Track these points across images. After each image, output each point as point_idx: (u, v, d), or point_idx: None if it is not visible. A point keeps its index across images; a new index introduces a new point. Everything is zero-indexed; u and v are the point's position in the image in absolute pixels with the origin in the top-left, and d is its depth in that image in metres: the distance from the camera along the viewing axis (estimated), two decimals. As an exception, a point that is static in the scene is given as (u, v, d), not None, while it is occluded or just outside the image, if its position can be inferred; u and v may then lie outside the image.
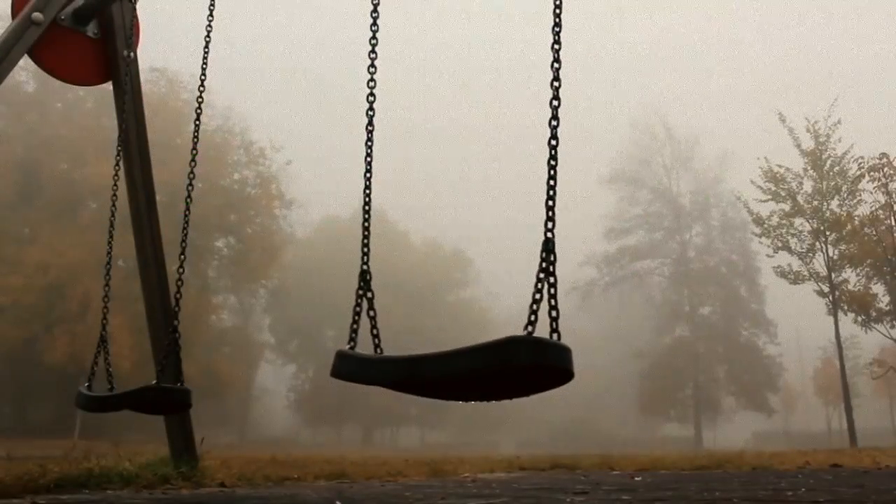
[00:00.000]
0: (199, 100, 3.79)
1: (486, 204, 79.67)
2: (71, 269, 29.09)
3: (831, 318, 23.14)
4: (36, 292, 28.95)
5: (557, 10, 2.02)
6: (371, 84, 2.49)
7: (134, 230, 4.57)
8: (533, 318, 1.73)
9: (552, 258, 1.79)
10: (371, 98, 2.48)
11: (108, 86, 4.70)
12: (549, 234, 1.81)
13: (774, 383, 47.72)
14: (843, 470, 6.16)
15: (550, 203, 1.86)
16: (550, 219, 1.84)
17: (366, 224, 2.38)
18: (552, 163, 1.90)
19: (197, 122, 3.77)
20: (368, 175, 2.46)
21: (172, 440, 4.59)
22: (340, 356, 2.09)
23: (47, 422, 31.12)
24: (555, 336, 1.73)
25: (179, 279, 3.47)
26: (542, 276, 1.76)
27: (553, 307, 1.75)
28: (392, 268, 42.16)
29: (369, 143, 2.47)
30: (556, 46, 1.98)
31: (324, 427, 57.29)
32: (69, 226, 30.74)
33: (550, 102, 1.94)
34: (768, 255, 24.65)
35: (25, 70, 27.24)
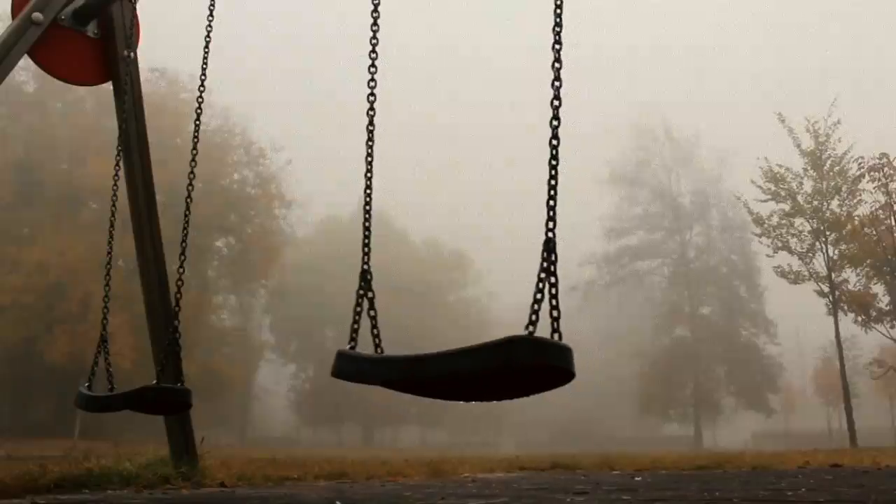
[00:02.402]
0: (199, 100, 3.79)
1: (487, 204, 79.71)
2: (71, 269, 29.08)
3: (831, 318, 23.15)
4: (36, 292, 28.95)
5: (558, 10, 2.02)
6: (371, 84, 2.48)
7: (134, 230, 4.57)
8: (534, 317, 1.72)
9: (553, 258, 1.78)
10: (371, 98, 2.48)
11: (108, 86, 4.69)
12: (551, 234, 1.81)
13: (774, 383, 47.73)
14: (843, 470, 6.16)
15: (552, 203, 1.85)
16: (552, 219, 1.83)
17: (366, 224, 2.38)
18: (553, 163, 1.89)
19: (197, 122, 3.77)
20: (369, 175, 2.46)
21: (172, 440, 4.58)
22: (341, 356, 2.09)
23: (47, 422, 31.11)
24: (556, 336, 1.72)
25: (179, 279, 3.47)
26: (543, 275, 1.76)
27: (554, 307, 1.74)
28: (392, 268, 42.17)
29: (370, 143, 2.47)
30: (557, 47, 1.98)
31: (324, 427, 57.30)
32: (69, 226, 30.74)
33: (551, 102, 1.94)
34: (768, 255, 24.68)
35: (25, 70, 27.24)
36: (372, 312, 2.21)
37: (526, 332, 1.69)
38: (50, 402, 32.47)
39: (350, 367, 2.06)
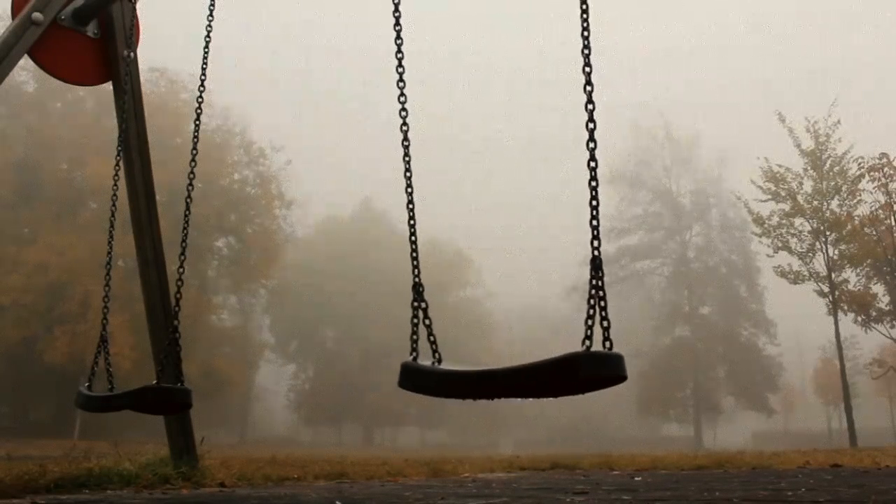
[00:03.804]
0: (199, 100, 3.78)
1: (487, 205, 79.75)
2: (71, 269, 29.08)
3: (831, 318, 23.13)
4: (36, 292, 28.94)
5: (585, 16, 2.02)
6: (402, 99, 2.49)
7: (134, 230, 4.57)
8: (589, 332, 1.84)
9: (601, 274, 1.89)
10: (403, 113, 2.48)
11: (108, 86, 4.69)
12: (596, 253, 1.90)
13: (774, 383, 47.71)
14: (843, 470, 6.16)
15: (595, 223, 1.93)
16: (596, 237, 1.92)
17: (413, 238, 2.42)
18: (593, 184, 1.95)
19: (197, 122, 3.76)
20: (410, 190, 2.47)
21: (172, 440, 4.58)
22: (407, 369, 2.17)
23: (47, 422, 31.12)
24: (607, 345, 1.84)
25: (179, 279, 3.47)
26: (593, 292, 1.87)
27: (604, 318, 1.85)
28: (393, 268, 42.13)
29: (407, 159, 2.48)
30: (588, 69, 2.01)
31: (324, 427, 57.27)
32: (69, 226, 30.74)
33: (586, 125, 1.98)
34: (768, 255, 24.65)
35: (25, 70, 27.25)
36: (427, 322, 2.26)
37: (584, 348, 1.82)
38: (50, 402, 32.45)
39: (417, 380, 2.15)
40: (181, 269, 3.46)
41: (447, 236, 58.76)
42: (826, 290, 23.10)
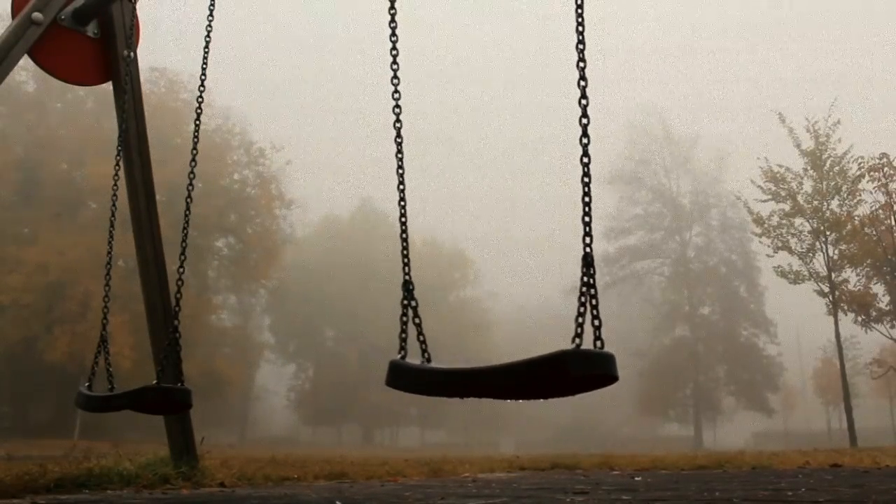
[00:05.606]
0: (200, 100, 3.78)
1: (487, 205, 79.76)
2: (71, 268, 29.09)
3: (831, 318, 23.12)
4: (36, 292, 28.96)
5: (580, 10, 2.01)
6: (396, 96, 2.47)
7: (134, 230, 4.56)
8: (579, 330, 1.83)
9: (592, 271, 1.87)
10: (397, 110, 2.47)
11: (108, 86, 4.69)
12: (588, 250, 1.87)
13: (774, 383, 47.73)
14: (843, 470, 6.16)
15: (587, 219, 1.90)
16: (588, 234, 1.89)
17: (404, 235, 2.40)
18: (585, 179, 1.93)
19: (197, 122, 3.76)
20: (402, 187, 2.44)
21: (172, 440, 4.58)
22: (395, 367, 2.13)
23: (47, 422, 31.13)
24: (598, 343, 1.82)
25: (179, 279, 3.47)
26: (584, 289, 1.85)
27: (595, 317, 1.83)
28: (393, 268, 42.07)
29: (399, 156, 2.45)
30: (581, 64, 1.99)
31: (324, 427, 57.28)
32: (69, 226, 30.74)
33: (580, 120, 1.95)
34: (768, 255, 24.64)
35: (25, 70, 27.24)
36: (417, 320, 2.23)
37: (573, 346, 1.79)
38: (50, 402, 32.46)
39: (404, 378, 2.12)
40: (181, 269, 3.46)
41: (447, 235, 58.84)
42: (826, 290, 23.10)
